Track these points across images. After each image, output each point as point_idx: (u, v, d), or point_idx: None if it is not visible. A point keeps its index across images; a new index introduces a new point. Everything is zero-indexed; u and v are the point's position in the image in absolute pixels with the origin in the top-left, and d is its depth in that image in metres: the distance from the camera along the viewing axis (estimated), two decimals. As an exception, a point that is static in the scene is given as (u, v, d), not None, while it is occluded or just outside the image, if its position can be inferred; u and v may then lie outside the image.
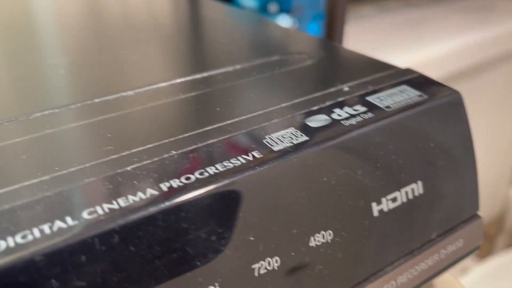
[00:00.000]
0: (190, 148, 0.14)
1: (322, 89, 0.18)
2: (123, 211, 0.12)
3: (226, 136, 0.15)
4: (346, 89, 0.18)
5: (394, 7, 0.79)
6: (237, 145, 0.15)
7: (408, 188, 0.17)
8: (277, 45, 0.25)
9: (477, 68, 0.70)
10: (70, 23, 0.29)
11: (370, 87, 0.18)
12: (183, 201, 0.12)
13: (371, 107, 0.17)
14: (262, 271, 0.14)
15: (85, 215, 0.12)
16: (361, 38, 0.64)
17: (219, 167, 0.14)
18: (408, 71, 0.20)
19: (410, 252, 0.17)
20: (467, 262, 0.77)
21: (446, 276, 0.23)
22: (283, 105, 0.17)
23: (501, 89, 0.78)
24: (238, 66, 0.21)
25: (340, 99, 0.17)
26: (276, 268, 0.14)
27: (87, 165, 0.13)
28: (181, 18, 0.30)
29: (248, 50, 0.24)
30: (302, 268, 0.14)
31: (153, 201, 0.12)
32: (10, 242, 0.11)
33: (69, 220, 0.11)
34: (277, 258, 0.14)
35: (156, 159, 0.14)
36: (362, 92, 0.18)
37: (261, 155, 0.14)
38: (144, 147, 0.14)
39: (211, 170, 0.13)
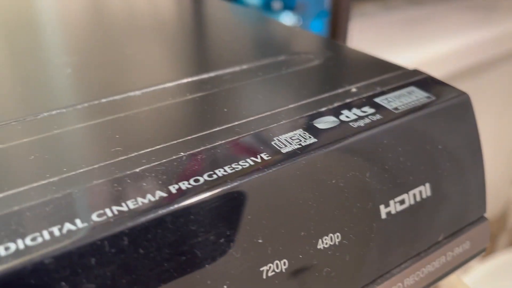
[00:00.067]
0: (198, 149, 0.14)
1: (330, 90, 0.18)
2: (132, 213, 0.12)
3: (234, 138, 0.15)
4: (354, 90, 0.18)
5: (398, 5, 0.79)
6: (246, 147, 0.15)
7: (416, 191, 0.17)
8: (283, 44, 0.25)
9: (481, 66, 0.69)
10: (75, 23, 0.28)
11: (378, 88, 0.18)
12: (192, 203, 0.12)
13: (379, 108, 0.17)
14: (270, 274, 0.14)
15: (94, 217, 0.12)
16: (365, 35, 0.64)
17: (228, 169, 0.14)
18: (416, 72, 0.20)
19: (417, 254, 0.17)
20: (469, 260, 0.77)
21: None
22: (291, 106, 0.17)
23: (505, 88, 0.78)
24: (244, 66, 0.21)
25: (348, 100, 0.17)
26: (284, 270, 0.14)
27: (96, 166, 0.13)
28: (186, 16, 0.30)
29: (254, 49, 0.24)
30: (310, 271, 0.14)
31: (162, 203, 0.12)
32: (20, 244, 0.11)
33: (78, 222, 0.11)
34: (285, 260, 0.14)
35: (164, 160, 0.14)
36: (370, 93, 0.18)
37: (270, 157, 0.14)
38: (152, 148, 0.14)
39: (219, 172, 0.13)
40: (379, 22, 0.71)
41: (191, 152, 0.14)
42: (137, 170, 0.13)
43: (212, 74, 0.20)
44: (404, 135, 0.16)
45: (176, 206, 0.12)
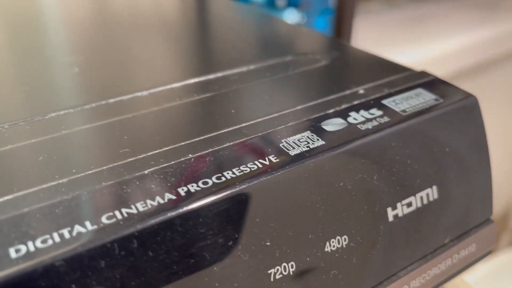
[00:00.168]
0: (206, 151, 0.14)
1: (337, 91, 0.18)
2: (142, 215, 0.12)
3: (242, 140, 0.15)
4: (361, 91, 0.18)
5: (402, 2, 0.79)
6: (254, 149, 0.15)
7: (423, 193, 0.17)
8: (290, 44, 0.25)
9: (486, 65, 0.69)
10: (81, 22, 0.28)
11: (385, 90, 0.18)
12: (200, 206, 0.12)
13: (387, 111, 0.17)
14: (278, 276, 0.14)
15: (104, 219, 0.12)
16: (369, 33, 0.63)
17: (236, 171, 0.14)
18: (423, 73, 0.20)
19: (423, 257, 0.17)
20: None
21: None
22: (298, 107, 0.17)
23: (510, 87, 0.78)
24: (251, 67, 0.21)
25: (356, 102, 0.17)
26: (291, 273, 0.14)
27: (105, 167, 0.13)
28: (190, 15, 0.30)
29: (260, 49, 0.24)
30: (317, 273, 0.14)
31: (172, 205, 0.12)
32: (31, 246, 0.11)
33: (88, 224, 0.11)
34: (292, 263, 0.14)
35: (173, 162, 0.14)
36: (378, 95, 0.18)
37: (278, 160, 0.14)
38: (160, 150, 0.14)
39: (228, 174, 0.13)
40: (383, 19, 0.70)
41: (200, 154, 0.14)
42: (146, 172, 0.13)
43: (219, 75, 0.20)
44: (412, 138, 0.16)
45: (185, 208, 0.12)
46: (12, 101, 0.18)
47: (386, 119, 0.16)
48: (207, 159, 0.14)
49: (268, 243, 0.13)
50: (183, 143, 0.15)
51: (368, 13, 0.72)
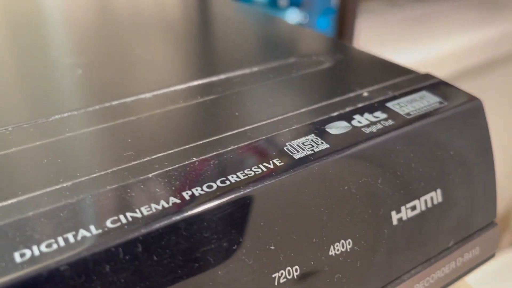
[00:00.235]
0: (211, 154, 0.14)
1: (341, 94, 0.18)
2: (146, 219, 0.12)
3: (246, 143, 0.15)
4: (365, 94, 0.18)
5: (405, 2, 0.78)
6: (258, 152, 0.15)
7: (427, 197, 0.16)
8: (293, 46, 0.25)
9: (488, 65, 0.69)
10: (84, 24, 0.28)
11: (389, 93, 0.18)
12: (205, 210, 0.12)
13: (392, 114, 0.17)
14: (282, 280, 0.14)
15: (108, 223, 0.12)
16: (371, 33, 0.63)
17: (241, 175, 0.13)
18: (428, 76, 0.20)
19: (427, 260, 0.17)
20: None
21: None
22: (302, 110, 0.17)
23: (511, 87, 0.78)
24: (255, 69, 0.21)
25: (360, 105, 0.17)
26: (296, 277, 0.14)
27: (109, 171, 0.13)
28: (193, 17, 0.30)
29: (263, 51, 0.24)
30: (321, 277, 0.14)
31: (176, 209, 0.12)
32: (35, 251, 0.11)
33: (93, 228, 0.11)
34: (297, 267, 0.14)
35: (177, 165, 0.14)
36: (382, 98, 0.18)
37: (282, 163, 0.14)
38: (164, 153, 0.14)
39: (232, 178, 0.13)
40: (386, 19, 0.70)
41: (204, 157, 0.14)
42: (150, 175, 0.13)
43: (222, 77, 0.20)
44: (416, 141, 0.16)
45: (189, 212, 0.12)
46: (15, 103, 0.18)
47: (390, 122, 0.16)
48: (212, 163, 0.14)
49: (272, 247, 0.13)
50: (187, 146, 0.15)
51: (370, 12, 0.72)
